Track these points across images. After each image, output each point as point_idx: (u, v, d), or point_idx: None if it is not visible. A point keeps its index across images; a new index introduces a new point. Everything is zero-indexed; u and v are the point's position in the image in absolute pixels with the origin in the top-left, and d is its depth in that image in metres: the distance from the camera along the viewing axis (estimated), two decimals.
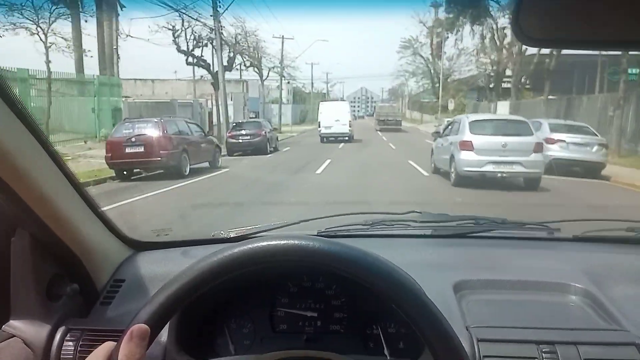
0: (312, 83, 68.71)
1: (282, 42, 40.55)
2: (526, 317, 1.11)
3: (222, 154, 15.50)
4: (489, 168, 9.48)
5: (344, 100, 36.95)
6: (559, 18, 0.49)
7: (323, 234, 1.52)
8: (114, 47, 22.83)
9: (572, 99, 22.56)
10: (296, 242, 0.74)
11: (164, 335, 1.01)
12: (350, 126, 26.12)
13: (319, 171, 12.84)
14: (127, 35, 22.73)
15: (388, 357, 1.08)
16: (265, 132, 19.17)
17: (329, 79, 73.91)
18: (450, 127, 11.51)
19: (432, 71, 56.29)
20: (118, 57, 23.29)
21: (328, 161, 14.93)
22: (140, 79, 32.63)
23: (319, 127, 26.60)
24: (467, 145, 9.68)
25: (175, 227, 6.34)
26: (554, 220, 1.69)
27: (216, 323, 1.14)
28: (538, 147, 9.56)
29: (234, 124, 20.41)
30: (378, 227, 1.63)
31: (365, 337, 1.12)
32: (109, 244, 1.27)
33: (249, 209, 7.58)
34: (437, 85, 53.14)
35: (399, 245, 1.54)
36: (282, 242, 0.74)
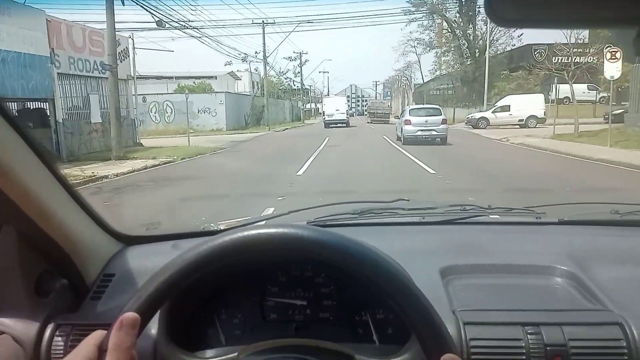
0: (302, 79, 61.57)
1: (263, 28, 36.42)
2: (512, 300, 1.13)
3: None
4: (419, 133, 17.92)
5: (343, 96, 49.54)
6: None
7: (312, 223, 1.52)
8: None
9: None
10: (284, 230, 0.75)
11: (153, 326, 1.01)
12: (347, 115, 37.74)
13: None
14: None
15: (377, 343, 1.10)
16: None
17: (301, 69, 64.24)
18: (401, 113, 21.90)
19: (463, 40, 38.75)
20: None
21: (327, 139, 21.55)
22: None
23: (324, 115, 38.64)
24: (408, 122, 18.65)
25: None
26: (539, 205, 1.72)
27: (206, 314, 1.15)
28: (443, 121, 18.55)
29: None
30: (366, 215, 1.65)
31: (354, 324, 1.13)
32: (98, 239, 1.27)
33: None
34: (470, 62, 38.52)
35: (387, 233, 1.56)
36: (270, 230, 0.75)
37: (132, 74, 21.04)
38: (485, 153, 15.98)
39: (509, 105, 29.42)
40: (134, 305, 0.70)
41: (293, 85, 63.00)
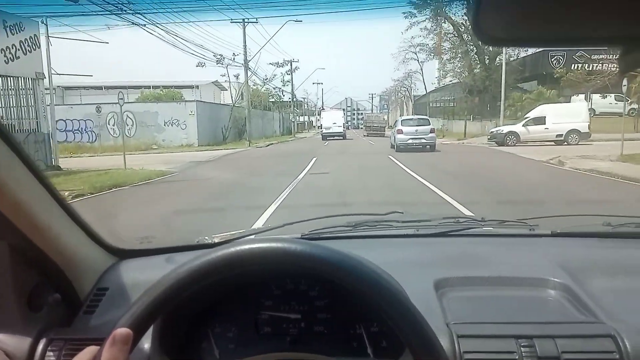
0: (293, 90, 55.32)
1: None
2: (505, 312, 1.13)
3: None
4: (410, 141, 20.16)
5: (339, 110, 52.39)
6: (521, 16, 0.49)
7: (306, 236, 1.53)
8: None
9: None
10: (278, 245, 0.75)
11: (147, 340, 1.01)
12: (343, 128, 40.03)
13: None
14: None
15: (371, 356, 1.09)
16: None
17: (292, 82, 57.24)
18: (394, 124, 24.19)
19: (471, 46, 34.34)
20: None
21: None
22: None
23: (322, 128, 41.11)
24: (400, 131, 21.05)
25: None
26: (532, 217, 1.73)
27: (200, 327, 1.14)
28: (432, 130, 21.00)
29: None
30: (361, 228, 1.65)
31: (348, 337, 1.13)
32: (91, 253, 1.26)
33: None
34: (479, 69, 34.93)
35: (381, 246, 1.56)
36: (264, 245, 0.75)
37: (47, 72, 15.56)
38: (549, 188, 10.30)
39: (544, 117, 23.37)
40: (127, 321, 0.70)
41: (282, 95, 57.04)
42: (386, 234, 1.66)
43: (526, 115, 24.74)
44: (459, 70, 38.48)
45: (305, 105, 78.01)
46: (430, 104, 49.38)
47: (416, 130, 20.31)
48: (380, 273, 0.78)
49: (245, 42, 32.24)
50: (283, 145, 32.48)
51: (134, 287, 1.25)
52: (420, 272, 1.27)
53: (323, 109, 65.59)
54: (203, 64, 33.61)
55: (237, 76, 38.32)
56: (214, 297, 1.15)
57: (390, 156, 18.49)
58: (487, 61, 34.99)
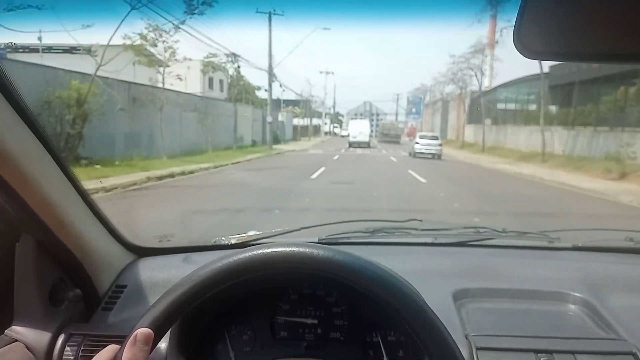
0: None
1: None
2: (525, 325, 1.12)
3: None
4: (423, 150, 25.10)
5: (365, 119, 49.24)
6: (562, 30, 0.49)
7: (324, 241, 1.52)
8: None
9: None
10: (297, 249, 0.75)
11: (164, 341, 1.02)
12: (369, 137, 41.67)
13: None
14: None
15: None
16: None
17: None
18: (414, 138, 28.57)
19: None
20: None
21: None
22: None
23: (349, 136, 41.85)
24: (417, 143, 26.06)
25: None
26: (553, 230, 1.70)
27: (216, 329, 1.15)
28: (439, 145, 25.58)
29: None
30: (379, 234, 1.64)
31: (365, 345, 1.13)
32: (112, 250, 1.28)
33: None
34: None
35: (399, 253, 1.55)
36: (284, 249, 0.75)
37: None
38: None
39: None
40: (147, 321, 0.71)
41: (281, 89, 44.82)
42: (404, 242, 1.65)
43: None
44: None
45: (314, 104, 58.33)
46: (501, 101, 32.04)
47: (428, 143, 26.15)
48: (402, 281, 0.78)
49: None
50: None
51: (152, 286, 1.26)
52: (439, 282, 1.26)
53: (340, 117, 63.17)
54: None
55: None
56: (231, 299, 1.15)
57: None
58: None
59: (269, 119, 28.27)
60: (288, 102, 50.75)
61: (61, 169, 1.01)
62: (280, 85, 52.17)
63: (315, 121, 59.70)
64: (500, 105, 32.23)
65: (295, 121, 48.21)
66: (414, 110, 64.29)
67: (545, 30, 0.49)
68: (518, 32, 0.49)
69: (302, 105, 51.32)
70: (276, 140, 32.86)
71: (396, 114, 79.56)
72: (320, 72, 68.00)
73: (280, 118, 39.77)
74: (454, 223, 1.74)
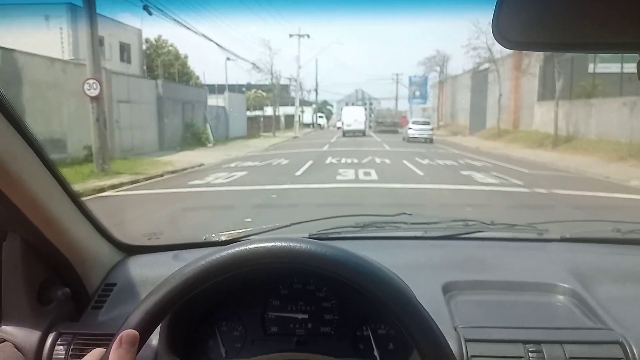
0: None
1: None
2: (513, 317, 1.13)
3: None
4: (416, 135, 26.99)
5: (360, 106, 45.62)
6: (540, 21, 0.49)
7: (314, 236, 1.53)
8: None
9: None
10: (285, 244, 0.75)
11: (154, 338, 1.01)
12: (364, 125, 38.03)
13: None
14: None
15: (378, 359, 1.09)
16: None
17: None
18: (407, 125, 30.00)
19: None
20: None
21: None
22: None
23: (343, 125, 37.57)
24: (410, 128, 28.08)
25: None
26: (542, 222, 1.72)
27: (207, 326, 1.15)
28: (431, 129, 28.12)
29: None
30: (369, 229, 1.65)
31: (355, 339, 1.13)
32: (101, 248, 1.27)
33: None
34: None
35: (389, 247, 1.56)
36: (271, 244, 0.75)
37: None
38: None
39: None
40: (133, 322, 0.70)
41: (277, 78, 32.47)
42: (394, 236, 1.66)
43: None
44: None
45: (295, 88, 44.29)
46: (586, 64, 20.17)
47: (421, 128, 27.70)
48: (390, 274, 0.78)
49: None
50: None
51: (141, 283, 1.25)
52: (429, 275, 1.27)
53: (330, 106, 56.43)
54: None
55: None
56: (221, 295, 1.15)
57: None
58: None
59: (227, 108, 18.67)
60: (254, 87, 37.60)
61: (47, 168, 1.00)
62: (228, 59, 35.30)
63: (288, 110, 43.07)
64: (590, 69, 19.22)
65: (269, 111, 36.22)
66: (417, 93, 51.77)
67: (524, 20, 0.49)
68: (497, 22, 0.49)
69: (270, 88, 35.21)
70: (197, 139, 20.76)
71: (396, 99, 60.17)
72: (291, 36, 41.42)
73: (221, 103, 25.91)
74: (443, 216, 1.76)
